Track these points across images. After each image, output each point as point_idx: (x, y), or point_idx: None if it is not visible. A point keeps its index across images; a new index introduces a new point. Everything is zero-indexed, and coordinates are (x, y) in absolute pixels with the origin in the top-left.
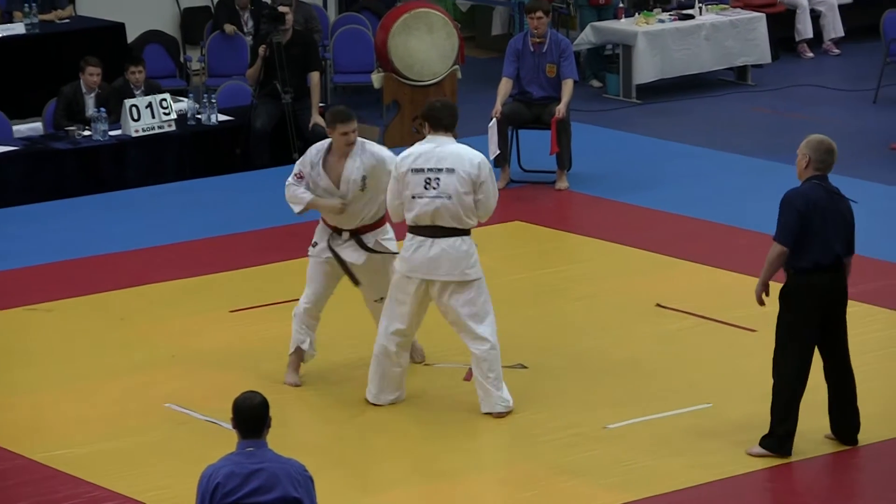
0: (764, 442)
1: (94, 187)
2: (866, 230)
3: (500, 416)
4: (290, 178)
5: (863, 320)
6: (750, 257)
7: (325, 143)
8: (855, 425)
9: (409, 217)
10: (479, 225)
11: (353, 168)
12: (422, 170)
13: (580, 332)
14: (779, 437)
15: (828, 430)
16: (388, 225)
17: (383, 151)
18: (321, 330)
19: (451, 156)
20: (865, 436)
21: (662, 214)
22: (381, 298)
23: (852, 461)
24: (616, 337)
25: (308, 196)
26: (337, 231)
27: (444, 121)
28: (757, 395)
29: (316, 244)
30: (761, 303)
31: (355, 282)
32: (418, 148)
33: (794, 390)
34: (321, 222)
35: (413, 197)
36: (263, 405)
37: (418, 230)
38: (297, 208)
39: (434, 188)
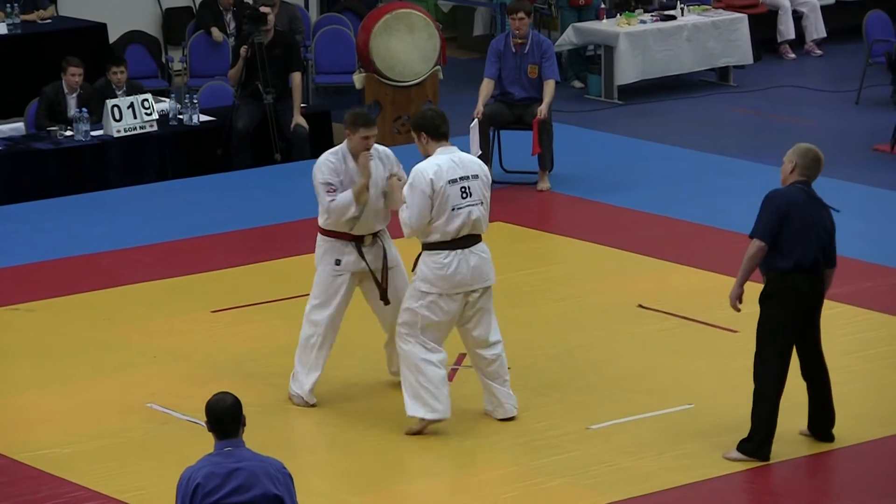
0: (742, 446)
1: (75, 187)
2: (848, 231)
3: (509, 419)
4: (325, 198)
5: (845, 322)
6: (732, 258)
7: (337, 150)
8: (830, 421)
9: (450, 230)
10: None
11: (378, 172)
12: (456, 180)
13: (562, 333)
14: (758, 442)
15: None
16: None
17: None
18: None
19: (469, 162)
20: (847, 437)
21: (644, 215)
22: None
23: (832, 462)
24: (598, 338)
25: (349, 194)
26: (359, 239)
27: (441, 128)
28: (738, 396)
29: (339, 261)
30: (737, 308)
31: (384, 296)
32: (439, 159)
33: (774, 395)
34: (328, 240)
35: (454, 209)
36: (236, 405)
37: (455, 243)
38: (353, 209)
39: (469, 195)
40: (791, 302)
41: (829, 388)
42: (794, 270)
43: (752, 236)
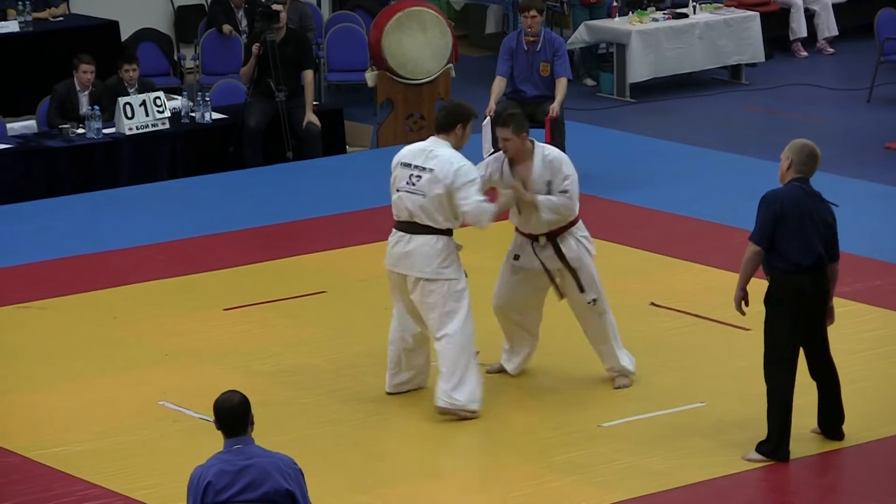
0: (760, 448)
1: (87, 185)
2: (859, 229)
3: (443, 412)
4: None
5: (854, 319)
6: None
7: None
8: (840, 419)
9: (395, 210)
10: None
11: (538, 172)
12: (409, 165)
13: (573, 331)
14: (775, 443)
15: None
16: (581, 222)
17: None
18: (311, 330)
19: (437, 158)
20: (857, 435)
21: (657, 213)
22: (594, 300)
23: (844, 460)
24: None
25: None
26: (533, 237)
27: (438, 122)
28: (750, 394)
29: (518, 256)
30: (741, 311)
31: (560, 295)
32: (416, 145)
33: (785, 396)
34: (516, 232)
35: (398, 190)
36: (243, 403)
37: (399, 225)
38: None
39: (413, 185)
40: (794, 302)
41: (839, 385)
42: (795, 271)
43: (750, 239)
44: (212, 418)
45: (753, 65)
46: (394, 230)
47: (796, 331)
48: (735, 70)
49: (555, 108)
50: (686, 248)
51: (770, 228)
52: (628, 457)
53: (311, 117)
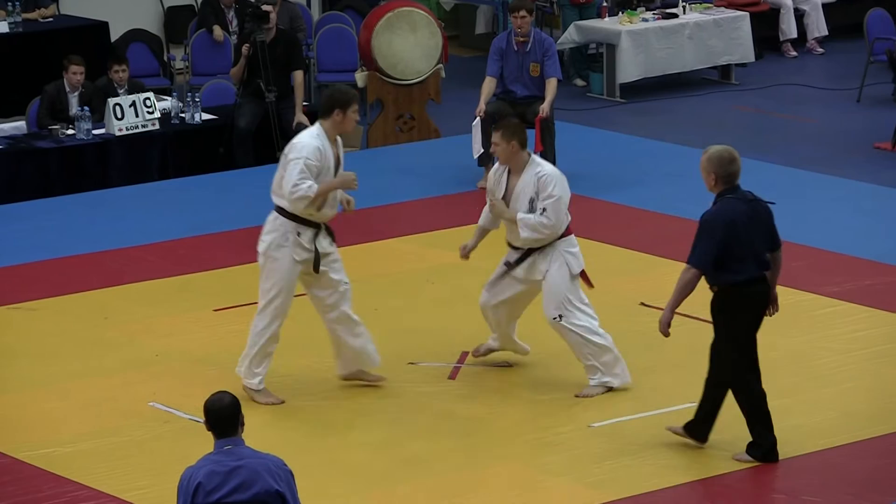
0: (752, 451)
1: (77, 186)
2: (849, 229)
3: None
4: None
5: (845, 319)
6: None
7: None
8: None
9: None
10: (466, 224)
11: (523, 187)
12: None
13: None
14: (769, 446)
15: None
16: (572, 237)
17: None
18: (301, 330)
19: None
20: (848, 434)
21: (646, 213)
22: (559, 317)
23: (837, 460)
24: None
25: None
26: (513, 247)
27: (320, 107)
28: None
29: (509, 264)
30: (667, 334)
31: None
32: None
33: (761, 398)
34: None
35: None
36: (234, 404)
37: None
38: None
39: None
40: (749, 309)
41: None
42: (749, 282)
43: (688, 263)
44: (202, 419)
45: (743, 65)
46: None
47: (751, 335)
48: (725, 70)
49: (545, 108)
50: (676, 248)
51: (715, 253)
52: (619, 457)
53: (301, 118)
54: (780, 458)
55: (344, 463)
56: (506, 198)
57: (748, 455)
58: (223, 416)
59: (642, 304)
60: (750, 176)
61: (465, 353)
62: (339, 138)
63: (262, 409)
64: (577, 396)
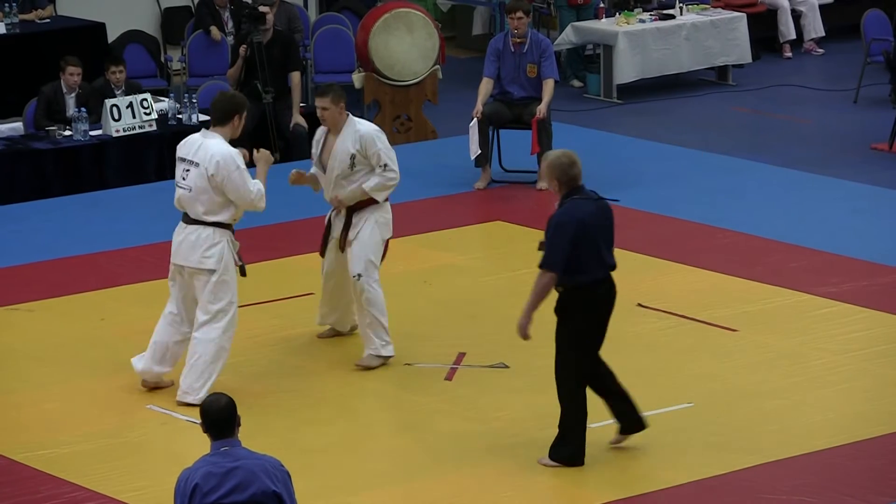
0: (559, 453)
1: (74, 187)
2: (846, 230)
3: (180, 402)
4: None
5: (843, 320)
6: (731, 257)
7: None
8: (636, 410)
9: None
10: (463, 225)
11: (343, 144)
12: (184, 159)
13: None
14: (577, 448)
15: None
16: (388, 205)
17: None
18: (299, 331)
19: (202, 150)
20: (846, 435)
21: (643, 214)
22: (359, 276)
23: (836, 460)
24: None
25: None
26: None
27: (212, 113)
28: (738, 395)
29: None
30: (526, 337)
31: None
32: (191, 137)
33: (581, 402)
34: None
35: (176, 184)
36: (230, 406)
37: (182, 216)
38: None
39: (184, 179)
40: (591, 311)
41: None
42: (593, 284)
43: (542, 267)
44: (199, 421)
45: (740, 66)
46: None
47: (592, 338)
48: (722, 71)
49: (542, 109)
50: (673, 249)
51: (567, 253)
52: (616, 457)
53: (298, 119)
54: (778, 457)
55: (339, 464)
56: (323, 156)
57: (551, 459)
58: (220, 417)
59: (639, 305)
60: (747, 177)
61: (461, 354)
62: None
63: (254, 411)
64: (357, 366)
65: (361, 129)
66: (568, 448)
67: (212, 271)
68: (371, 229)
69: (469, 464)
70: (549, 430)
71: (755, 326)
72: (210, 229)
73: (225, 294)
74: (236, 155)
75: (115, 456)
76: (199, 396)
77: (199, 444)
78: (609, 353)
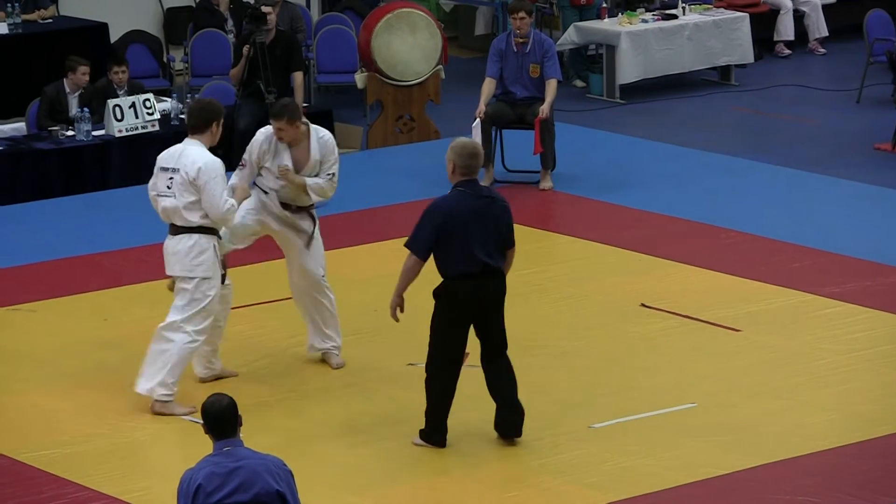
0: (421, 432)
1: (77, 187)
2: (849, 230)
3: (155, 408)
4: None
5: (846, 320)
6: (734, 257)
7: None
8: (520, 417)
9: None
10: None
11: (314, 154)
12: (166, 168)
13: (564, 332)
14: (431, 428)
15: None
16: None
17: None
18: (302, 331)
19: (184, 157)
20: (848, 435)
21: (646, 214)
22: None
23: (837, 460)
24: (600, 336)
25: None
26: (284, 205)
27: (189, 121)
28: (742, 394)
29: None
30: (396, 318)
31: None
32: (172, 147)
33: (439, 386)
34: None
35: (157, 194)
36: (231, 406)
37: (170, 227)
38: None
39: (169, 187)
40: (456, 304)
41: (515, 387)
42: (458, 278)
43: (406, 247)
44: (202, 421)
45: (743, 66)
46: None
47: (456, 329)
48: (724, 71)
49: (544, 109)
50: (676, 249)
51: (432, 241)
52: (619, 458)
53: None
54: (781, 458)
55: (341, 464)
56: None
57: (421, 439)
58: (222, 417)
59: (643, 304)
60: (750, 177)
61: (465, 354)
62: None
63: (256, 410)
64: (324, 360)
65: (324, 136)
66: (426, 428)
67: (201, 279)
68: (317, 229)
69: (471, 464)
70: (552, 429)
71: (758, 327)
72: (196, 236)
73: (202, 300)
74: (219, 164)
75: (117, 456)
76: (146, 388)
77: (203, 444)
78: (612, 352)
